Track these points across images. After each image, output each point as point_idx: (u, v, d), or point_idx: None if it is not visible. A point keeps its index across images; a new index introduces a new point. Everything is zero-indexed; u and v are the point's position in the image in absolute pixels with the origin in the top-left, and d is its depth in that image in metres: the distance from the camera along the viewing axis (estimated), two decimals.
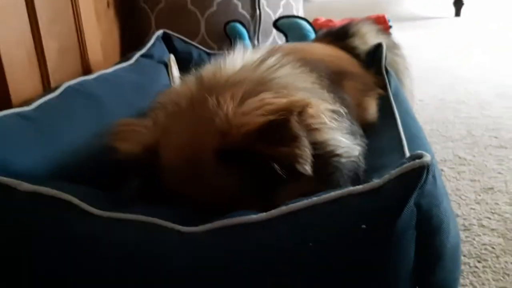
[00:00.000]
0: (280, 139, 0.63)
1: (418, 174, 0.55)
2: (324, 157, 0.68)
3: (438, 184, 0.58)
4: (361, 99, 1.11)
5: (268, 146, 0.63)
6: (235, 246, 0.57)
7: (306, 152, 0.64)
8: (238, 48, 0.86)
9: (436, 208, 0.57)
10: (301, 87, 0.77)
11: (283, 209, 0.58)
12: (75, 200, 0.63)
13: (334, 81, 0.99)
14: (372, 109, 1.11)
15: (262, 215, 0.58)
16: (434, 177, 0.57)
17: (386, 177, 0.56)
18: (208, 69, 0.80)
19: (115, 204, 0.65)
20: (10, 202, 0.64)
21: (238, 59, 0.81)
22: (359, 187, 0.57)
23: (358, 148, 0.77)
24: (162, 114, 0.73)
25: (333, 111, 0.75)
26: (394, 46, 1.43)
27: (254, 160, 0.63)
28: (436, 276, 0.59)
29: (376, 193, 0.56)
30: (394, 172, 0.56)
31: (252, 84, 0.72)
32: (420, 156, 0.56)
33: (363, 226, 0.54)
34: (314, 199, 0.58)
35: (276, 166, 0.63)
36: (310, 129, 0.67)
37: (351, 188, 0.58)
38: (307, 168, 0.63)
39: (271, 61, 0.80)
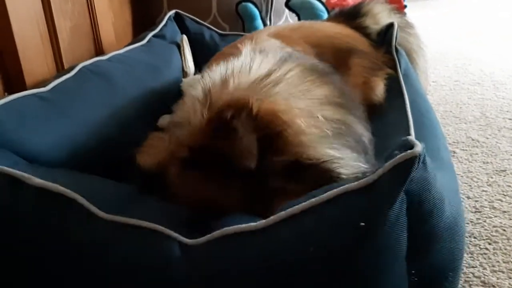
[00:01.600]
0: (219, 135, 0.63)
1: (409, 165, 0.54)
2: (316, 169, 0.67)
3: (428, 168, 0.57)
4: (369, 78, 1.10)
5: (211, 143, 0.63)
6: (236, 255, 0.57)
7: (245, 147, 0.63)
8: (248, 55, 0.82)
9: (426, 193, 0.57)
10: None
11: (282, 214, 0.58)
12: (81, 199, 0.63)
13: (339, 60, 0.97)
14: (379, 89, 1.09)
15: (262, 222, 0.58)
16: (424, 162, 0.56)
17: (380, 171, 0.56)
18: (216, 85, 0.76)
19: (122, 200, 0.65)
20: (18, 197, 0.65)
21: (244, 75, 0.76)
22: (355, 184, 0.57)
23: (362, 167, 0.71)
24: (177, 130, 0.73)
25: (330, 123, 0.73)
26: (407, 26, 1.41)
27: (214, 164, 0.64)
28: (433, 258, 0.60)
29: (371, 188, 0.56)
30: (387, 165, 0.56)
31: None
32: (410, 146, 0.55)
33: (362, 224, 0.54)
34: (312, 200, 0.58)
35: (233, 162, 0.62)
36: (279, 134, 0.66)
37: (346, 186, 0.57)
38: (249, 164, 0.63)
39: (274, 77, 0.75)
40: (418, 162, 0.54)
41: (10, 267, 0.63)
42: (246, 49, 0.85)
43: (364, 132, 0.80)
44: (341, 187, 0.57)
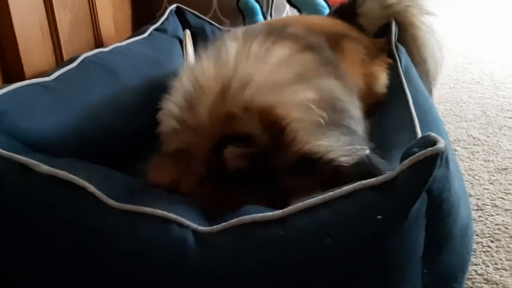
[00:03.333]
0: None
1: (432, 163, 0.52)
2: (321, 162, 0.66)
3: (450, 167, 0.55)
4: (369, 65, 1.09)
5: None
6: (249, 246, 0.56)
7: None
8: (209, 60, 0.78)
9: (447, 192, 0.56)
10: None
11: (299, 205, 0.57)
12: (91, 188, 0.61)
13: (331, 43, 0.97)
14: (382, 80, 1.08)
15: (278, 212, 0.57)
16: (447, 160, 0.54)
17: (398, 168, 0.54)
18: (184, 104, 0.74)
19: (132, 190, 0.64)
20: (27, 184, 0.63)
21: (212, 85, 0.72)
22: (373, 180, 0.56)
23: (356, 148, 0.70)
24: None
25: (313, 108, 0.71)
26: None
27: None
28: (445, 259, 0.59)
29: (390, 186, 0.54)
30: (406, 162, 0.53)
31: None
32: (433, 143, 0.53)
33: (379, 217, 0.53)
34: (329, 194, 0.57)
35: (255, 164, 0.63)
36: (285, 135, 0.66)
37: (364, 182, 0.56)
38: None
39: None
40: (441, 160, 0.52)
41: (18, 255, 0.62)
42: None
43: (341, 93, 0.79)
44: (358, 183, 0.56)
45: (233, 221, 0.57)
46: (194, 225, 0.58)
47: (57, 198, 0.62)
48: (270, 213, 0.57)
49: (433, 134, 0.55)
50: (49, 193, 0.62)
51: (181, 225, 0.58)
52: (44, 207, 0.61)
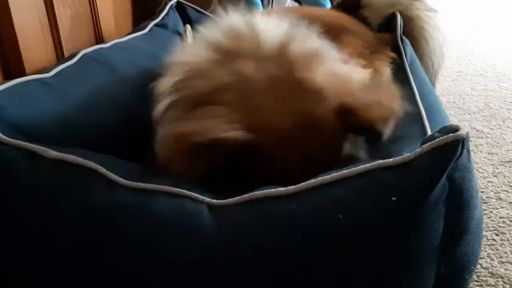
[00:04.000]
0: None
1: (453, 149, 0.52)
2: None
3: (471, 157, 0.56)
4: (370, 60, 1.08)
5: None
6: (263, 219, 0.55)
7: None
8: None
9: (467, 182, 0.56)
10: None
11: (313, 182, 0.56)
12: (102, 169, 0.61)
13: (330, 34, 0.97)
14: (385, 75, 1.07)
15: (291, 188, 0.56)
16: (468, 150, 0.54)
17: (418, 151, 0.54)
18: (241, 50, 0.73)
19: (141, 175, 0.63)
20: (36, 169, 0.63)
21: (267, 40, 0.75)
22: (390, 160, 0.55)
23: None
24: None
25: None
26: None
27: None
28: (460, 251, 0.58)
29: (407, 167, 0.54)
30: (426, 146, 0.54)
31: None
32: (454, 130, 0.53)
33: (393, 198, 0.52)
34: (345, 171, 0.56)
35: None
36: None
37: (381, 161, 0.56)
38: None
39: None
40: (462, 147, 0.52)
41: (24, 247, 0.61)
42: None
43: None
44: (376, 162, 0.56)
45: (247, 195, 0.57)
46: (207, 199, 0.58)
47: (66, 183, 0.61)
48: (283, 189, 0.57)
49: (455, 124, 0.55)
50: (57, 178, 0.62)
51: (195, 199, 0.58)
52: (53, 193, 0.61)
